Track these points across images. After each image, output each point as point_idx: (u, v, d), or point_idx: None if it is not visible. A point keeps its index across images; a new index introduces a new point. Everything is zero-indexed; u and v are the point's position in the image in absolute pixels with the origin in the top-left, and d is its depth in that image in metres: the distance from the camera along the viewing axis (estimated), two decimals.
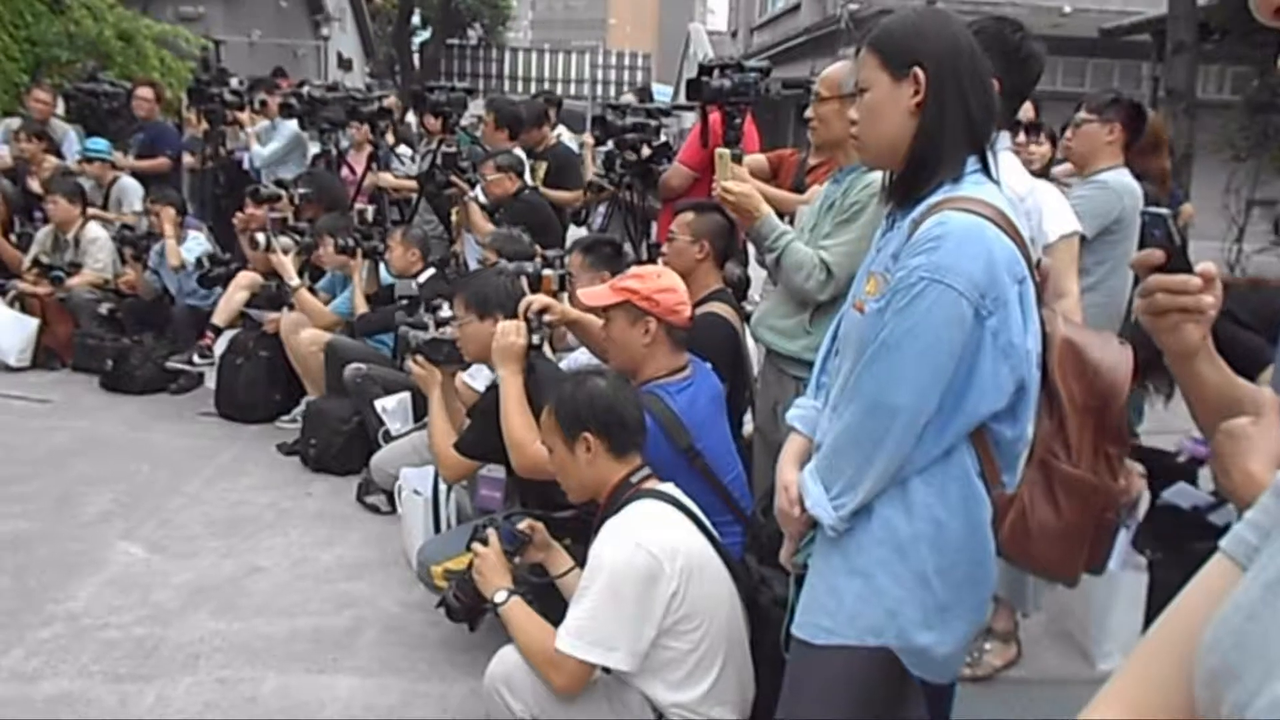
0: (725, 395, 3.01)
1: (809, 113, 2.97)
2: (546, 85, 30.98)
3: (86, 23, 11.98)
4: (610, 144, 5.73)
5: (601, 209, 6.03)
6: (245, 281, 5.72)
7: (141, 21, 12.99)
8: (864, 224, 2.70)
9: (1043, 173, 4.26)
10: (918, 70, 1.67)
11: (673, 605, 2.07)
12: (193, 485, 4.49)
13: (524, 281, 3.21)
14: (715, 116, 4.64)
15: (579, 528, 3.11)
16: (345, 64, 26.20)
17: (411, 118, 8.77)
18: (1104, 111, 3.64)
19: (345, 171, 6.58)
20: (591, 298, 2.80)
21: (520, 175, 5.47)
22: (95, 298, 6.35)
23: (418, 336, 3.15)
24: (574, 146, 6.87)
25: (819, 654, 1.74)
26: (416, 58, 27.98)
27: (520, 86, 31.95)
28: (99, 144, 6.92)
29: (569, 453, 2.28)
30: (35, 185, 6.92)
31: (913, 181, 1.68)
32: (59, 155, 7.18)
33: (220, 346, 5.65)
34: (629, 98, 6.97)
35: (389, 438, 4.45)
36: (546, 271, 3.49)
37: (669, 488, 2.27)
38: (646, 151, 5.34)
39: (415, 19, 29.30)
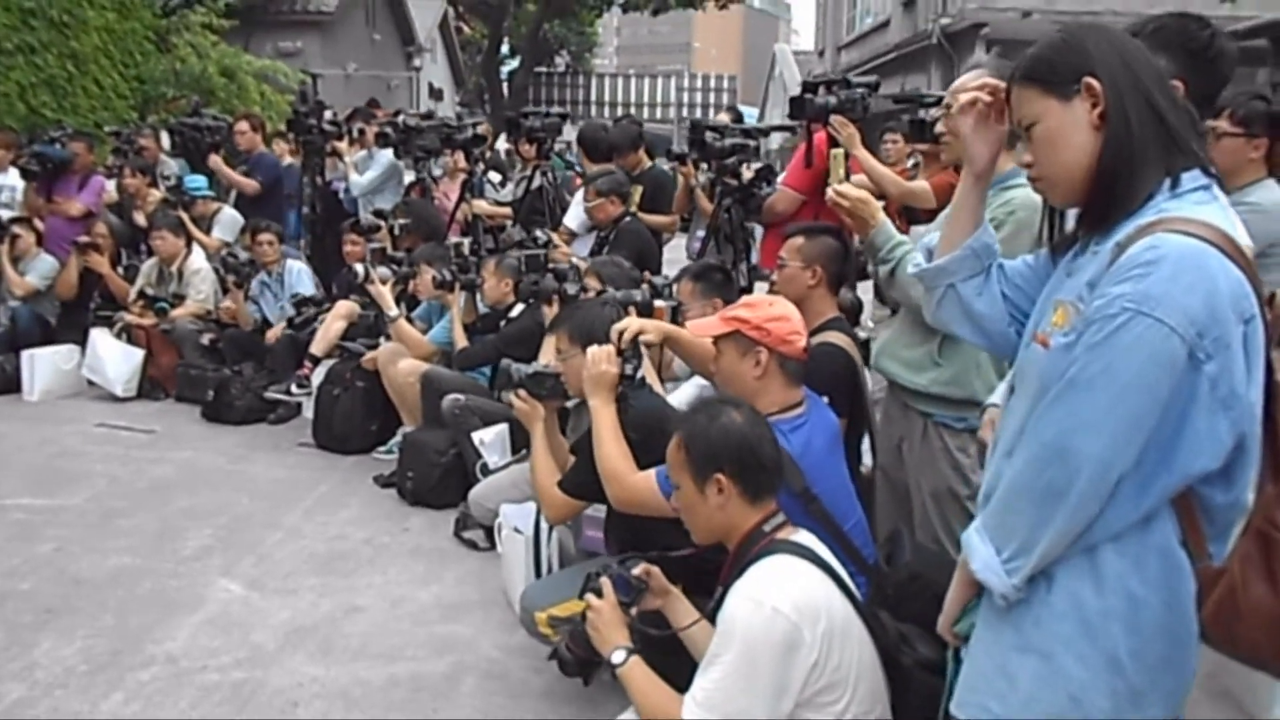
0: (843, 432, 2.80)
1: (940, 127, 2.76)
2: (632, 110, 31.18)
3: (191, 60, 12.40)
4: (707, 166, 5.64)
5: (699, 233, 5.89)
6: (343, 311, 5.70)
7: (243, 58, 13.40)
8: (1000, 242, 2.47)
9: None
10: (1089, 80, 1.45)
11: (813, 676, 1.87)
12: (291, 518, 4.44)
13: (632, 312, 3.05)
14: (820, 135, 4.45)
15: (697, 570, 2.93)
16: (436, 94, 26.74)
17: (503, 144, 8.77)
18: (1251, 125, 3.31)
19: (438, 199, 6.57)
20: (701, 328, 2.62)
21: (624, 199, 5.34)
22: (197, 328, 6.43)
23: (520, 370, 3.01)
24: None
25: None
26: (505, 86, 28.35)
27: (607, 111, 32.22)
28: (198, 181, 7.04)
29: (698, 493, 2.10)
30: (141, 219, 7.08)
31: (1109, 201, 1.45)
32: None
33: (318, 377, 5.64)
34: (723, 118, 6.79)
35: (487, 471, 4.34)
36: (659, 302, 3.33)
37: (805, 537, 2.07)
38: (748, 174, 5.18)
39: (504, 48, 29.71)
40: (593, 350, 2.64)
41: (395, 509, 4.59)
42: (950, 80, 10.87)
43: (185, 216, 6.53)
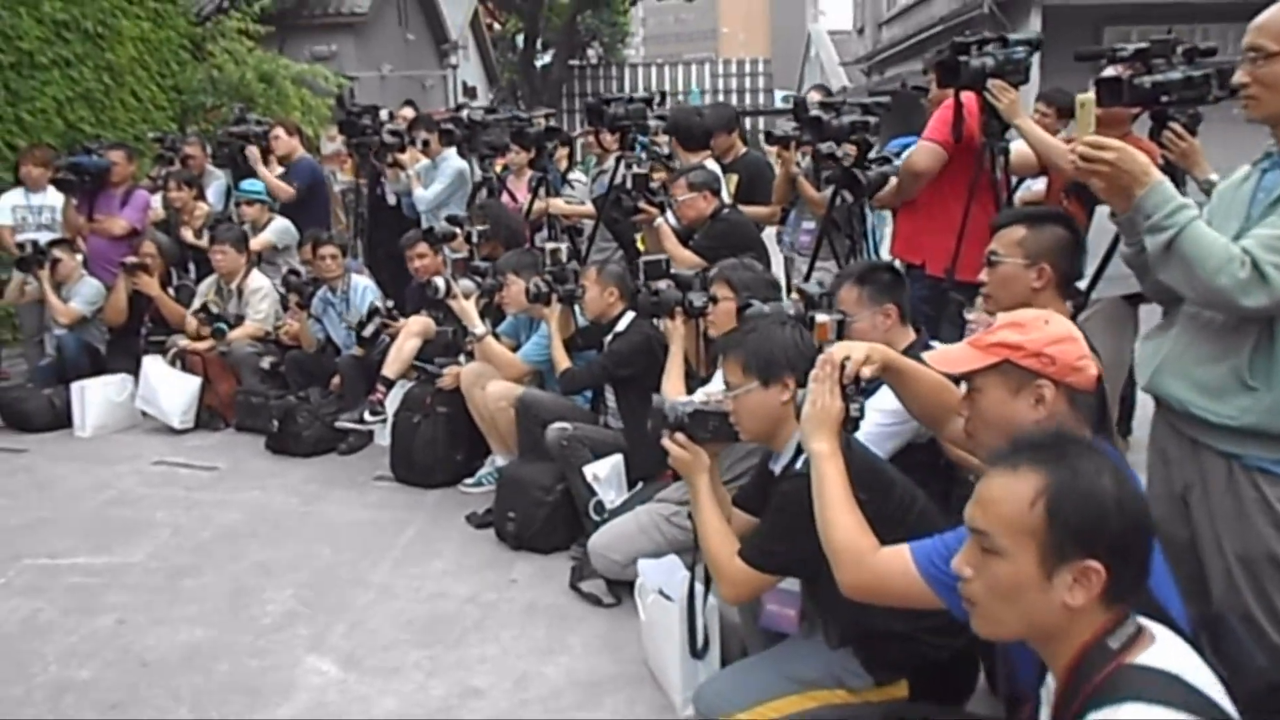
0: None
1: (1239, 77, 2.11)
2: (669, 100, 30.49)
3: (229, 67, 11.97)
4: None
5: (807, 224, 5.27)
6: (417, 328, 5.15)
7: (280, 62, 12.96)
8: None
9: None
10: None
11: None
12: (380, 572, 3.89)
13: (830, 332, 2.46)
14: (970, 97, 3.83)
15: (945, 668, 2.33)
16: (470, 92, 26.23)
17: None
18: None
19: (506, 198, 6.01)
20: (950, 359, 2.00)
21: (716, 193, 4.74)
22: (256, 351, 5.93)
23: (677, 407, 2.42)
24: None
25: None
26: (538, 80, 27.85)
27: None
28: (255, 185, 6.54)
29: (1041, 578, 1.43)
30: (189, 235, 6.59)
31: None
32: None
33: (393, 402, 5.09)
34: (814, 96, 6.14)
35: (602, 510, 3.77)
36: (820, 316, 2.71)
37: (1168, 656, 1.44)
38: (870, 155, 4.57)
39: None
40: (815, 386, 2.03)
41: (496, 555, 4.03)
42: None
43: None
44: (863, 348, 2.11)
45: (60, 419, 5.89)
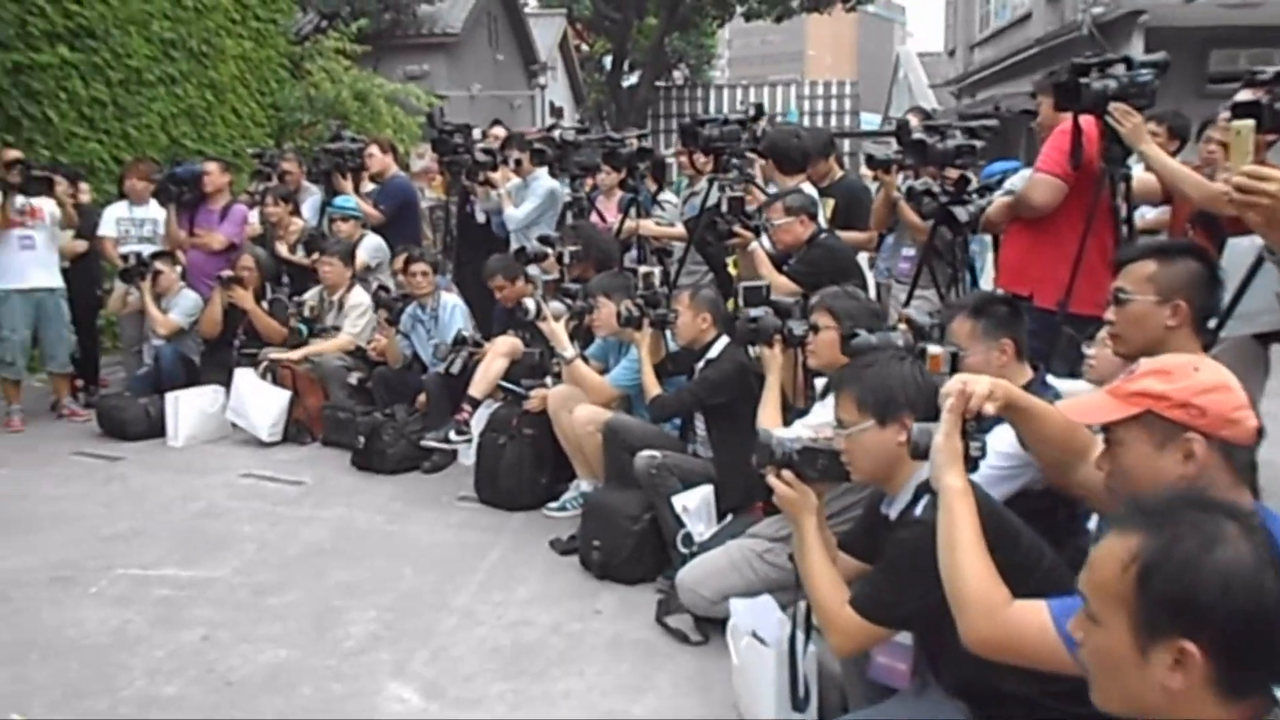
0: None
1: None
2: (762, 117, 30.30)
3: (325, 85, 12.24)
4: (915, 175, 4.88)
5: (907, 251, 5.10)
6: (504, 349, 5.11)
7: (374, 81, 13.21)
8: None
9: None
10: None
11: None
12: (463, 597, 3.82)
13: (944, 366, 2.31)
14: (1090, 121, 3.64)
15: None
16: (557, 112, 26.47)
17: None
18: None
19: (594, 219, 5.95)
20: (1086, 411, 1.84)
21: (813, 218, 4.60)
22: (345, 366, 5.96)
23: (785, 443, 2.29)
24: None
25: None
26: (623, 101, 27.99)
27: None
28: (348, 201, 6.62)
29: (1136, 655, 1.27)
30: (283, 250, 6.68)
31: None
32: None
33: (479, 422, 5.05)
34: (912, 120, 5.97)
35: (690, 542, 3.66)
36: (932, 349, 2.56)
37: None
38: (973, 182, 4.41)
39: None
40: (945, 424, 1.88)
41: (581, 584, 3.93)
42: None
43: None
44: (985, 382, 1.95)
45: (155, 428, 6.00)
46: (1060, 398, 2.51)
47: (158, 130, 9.45)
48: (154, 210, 6.82)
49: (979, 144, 4.52)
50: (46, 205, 6.16)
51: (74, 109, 8.35)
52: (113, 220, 6.81)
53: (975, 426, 1.92)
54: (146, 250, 6.54)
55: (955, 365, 2.62)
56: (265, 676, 3.23)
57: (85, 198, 7.08)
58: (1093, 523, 2.55)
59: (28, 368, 6.45)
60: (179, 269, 6.50)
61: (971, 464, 1.92)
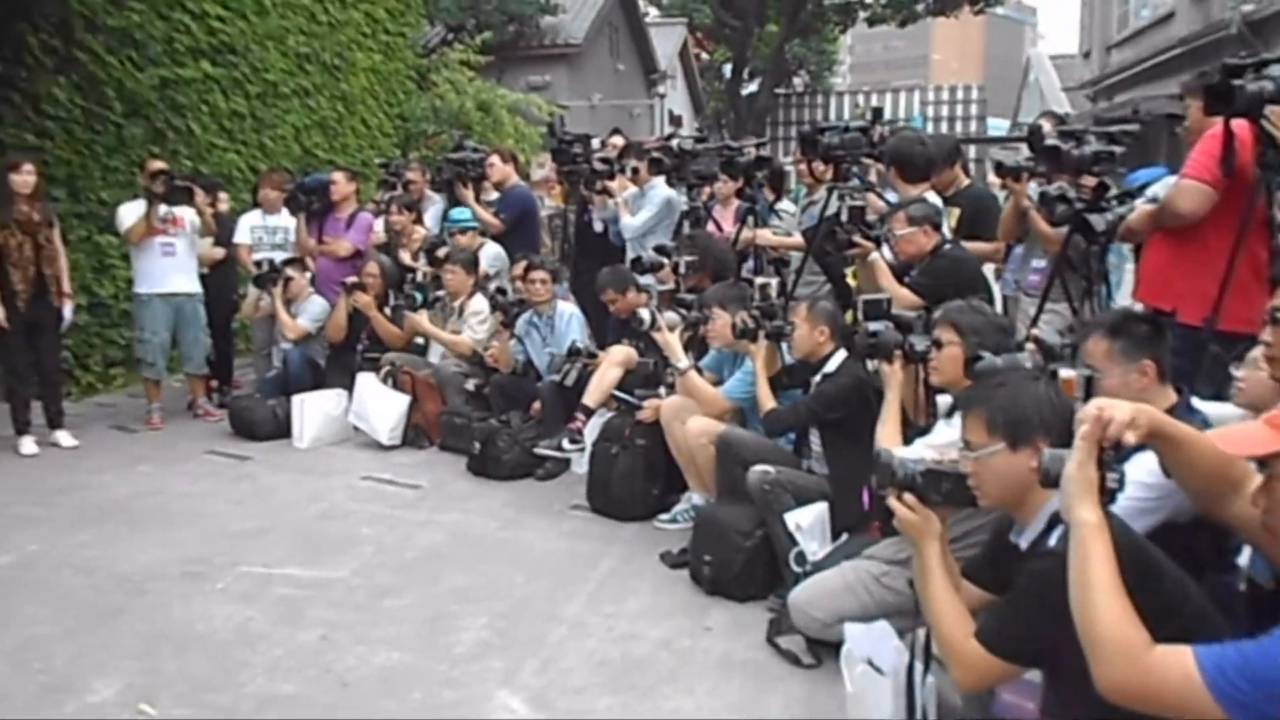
0: None
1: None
2: (881, 122, 29.72)
3: (450, 96, 12.54)
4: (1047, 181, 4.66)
5: (1038, 262, 4.88)
6: (619, 358, 5.10)
7: (497, 92, 13.47)
8: None
9: None
10: None
11: None
12: (574, 607, 3.81)
13: (1076, 388, 2.18)
14: (1243, 125, 3.40)
15: None
16: (675, 120, 26.54)
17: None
18: None
19: (711, 228, 5.89)
20: (1241, 442, 1.70)
21: (938, 227, 4.43)
22: (463, 372, 6.06)
23: (908, 463, 2.20)
24: None
25: None
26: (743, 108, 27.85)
27: None
28: (463, 213, 6.75)
29: None
30: (406, 257, 6.84)
31: None
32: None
33: (592, 431, 5.05)
34: (1045, 125, 5.71)
35: (803, 561, 3.56)
36: (1065, 372, 2.40)
37: None
38: (1111, 189, 4.17)
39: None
40: (1080, 451, 1.76)
41: (691, 599, 3.88)
42: None
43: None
44: (1127, 408, 1.81)
45: (282, 429, 6.20)
46: (1209, 424, 2.33)
47: (291, 141, 9.84)
48: (285, 219, 7.09)
49: (1118, 150, 4.28)
50: (187, 214, 6.46)
51: (215, 121, 8.77)
52: (247, 228, 7.11)
53: (1113, 455, 1.79)
54: (278, 257, 6.82)
55: (1090, 389, 2.47)
56: (380, 679, 3.28)
57: (223, 207, 7.41)
58: (1244, 557, 2.37)
59: (167, 369, 6.76)
60: (308, 275, 6.73)
61: (1109, 496, 1.79)
